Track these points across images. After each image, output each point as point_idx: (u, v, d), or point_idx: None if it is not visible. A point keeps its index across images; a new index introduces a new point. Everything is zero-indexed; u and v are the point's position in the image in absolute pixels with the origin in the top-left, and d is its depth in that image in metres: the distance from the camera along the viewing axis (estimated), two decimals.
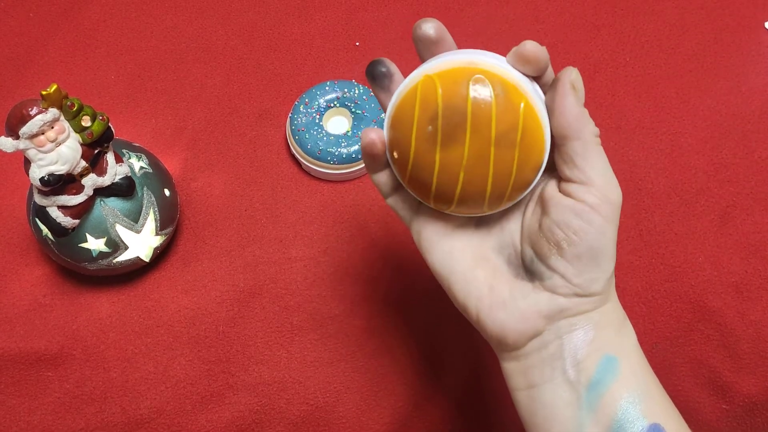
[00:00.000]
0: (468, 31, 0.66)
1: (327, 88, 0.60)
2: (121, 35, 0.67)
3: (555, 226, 0.33)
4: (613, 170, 0.59)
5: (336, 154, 0.57)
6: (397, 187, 0.38)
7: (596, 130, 0.33)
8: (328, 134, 0.58)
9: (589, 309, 0.34)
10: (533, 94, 0.33)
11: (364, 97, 0.59)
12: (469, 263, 0.36)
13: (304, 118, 0.58)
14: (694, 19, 0.67)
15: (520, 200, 0.36)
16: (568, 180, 0.34)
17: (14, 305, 0.54)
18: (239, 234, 0.57)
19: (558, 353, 0.34)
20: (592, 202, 0.33)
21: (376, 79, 0.37)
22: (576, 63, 0.65)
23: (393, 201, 0.39)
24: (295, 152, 0.59)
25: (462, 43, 0.67)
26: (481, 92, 0.33)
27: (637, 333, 0.53)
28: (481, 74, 0.33)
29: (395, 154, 0.36)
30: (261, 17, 0.68)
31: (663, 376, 0.52)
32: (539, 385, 0.34)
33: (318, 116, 0.59)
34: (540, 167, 0.34)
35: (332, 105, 0.60)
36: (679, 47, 0.65)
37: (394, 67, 0.37)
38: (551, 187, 0.35)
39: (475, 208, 0.35)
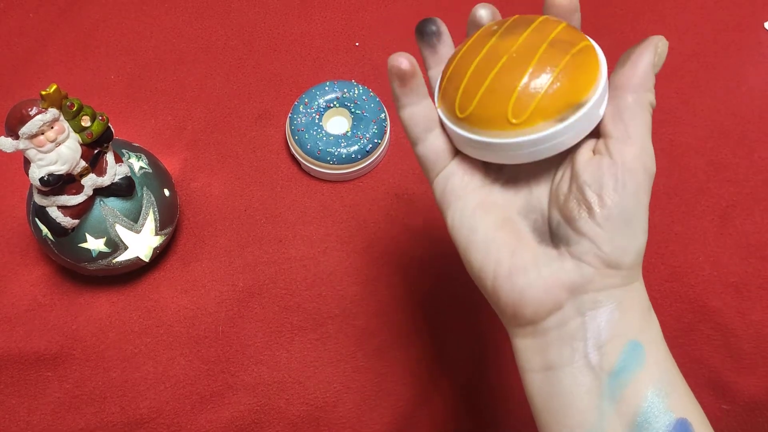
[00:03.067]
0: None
1: (327, 88, 0.60)
2: (121, 35, 0.67)
3: (587, 186, 0.31)
4: None
5: (336, 154, 0.57)
6: (431, 128, 0.35)
7: (654, 100, 0.32)
8: (328, 134, 0.58)
9: (616, 285, 0.31)
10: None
11: (364, 97, 0.59)
12: (492, 223, 0.33)
13: (303, 119, 0.58)
14: (693, 19, 0.67)
15: (550, 163, 0.34)
16: (609, 136, 0.31)
17: (14, 305, 0.54)
18: (239, 234, 0.57)
19: (580, 333, 0.31)
20: (629, 163, 0.30)
21: (424, 36, 0.36)
22: None
23: (423, 148, 0.35)
24: (294, 152, 0.59)
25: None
26: (551, 22, 0.33)
27: None
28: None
29: (454, 80, 0.33)
30: (261, 17, 0.68)
31: None
32: (557, 367, 0.32)
33: (318, 116, 0.59)
34: (578, 101, 0.31)
35: (332, 105, 0.60)
36: (678, 47, 0.65)
37: (444, 28, 0.36)
38: (585, 151, 0.33)
39: (499, 106, 0.31)
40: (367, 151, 0.57)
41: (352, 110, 0.59)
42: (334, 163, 0.57)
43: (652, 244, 0.56)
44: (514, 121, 0.31)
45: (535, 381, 0.33)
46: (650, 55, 0.32)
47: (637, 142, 0.31)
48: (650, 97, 0.32)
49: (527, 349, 0.33)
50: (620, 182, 0.30)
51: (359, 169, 0.58)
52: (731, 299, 0.54)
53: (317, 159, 0.57)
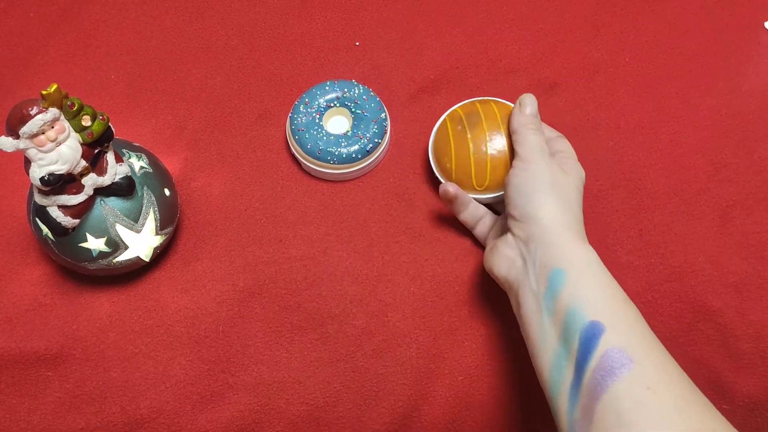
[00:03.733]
0: (468, 31, 0.66)
1: (327, 87, 0.60)
2: (121, 35, 0.67)
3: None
4: (613, 170, 0.59)
5: (336, 153, 0.57)
6: (480, 217, 0.55)
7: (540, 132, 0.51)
8: (328, 134, 0.58)
9: (535, 233, 0.45)
10: None
11: (364, 96, 0.59)
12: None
13: (304, 118, 0.58)
14: (694, 19, 0.67)
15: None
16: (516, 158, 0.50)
17: (14, 305, 0.54)
18: (239, 234, 0.57)
19: (525, 272, 0.45)
20: (518, 163, 0.49)
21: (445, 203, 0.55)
22: (576, 63, 0.65)
23: (473, 223, 0.56)
24: (295, 152, 0.59)
25: (462, 42, 0.67)
26: (485, 103, 0.56)
27: None
28: (483, 98, 0.57)
29: (442, 162, 0.56)
30: (261, 17, 0.68)
31: None
32: (521, 303, 0.45)
33: (318, 116, 0.59)
34: None
35: (332, 105, 0.60)
36: (679, 47, 0.65)
37: (458, 193, 0.54)
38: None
39: (504, 170, 0.53)
40: (368, 151, 0.57)
41: (353, 110, 0.59)
42: (334, 163, 0.57)
43: (653, 244, 0.56)
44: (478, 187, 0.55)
45: (518, 318, 0.46)
46: (515, 110, 0.53)
47: (521, 153, 0.50)
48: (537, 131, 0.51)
49: (511, 299, 0.48)
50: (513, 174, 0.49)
51: (359, 169, 0.58)
52: (731, 299, 0.54)
53: (317, 159, 0.57)
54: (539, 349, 0.43)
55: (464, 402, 0.52)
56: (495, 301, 0.54)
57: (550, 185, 0.47)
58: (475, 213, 0.55)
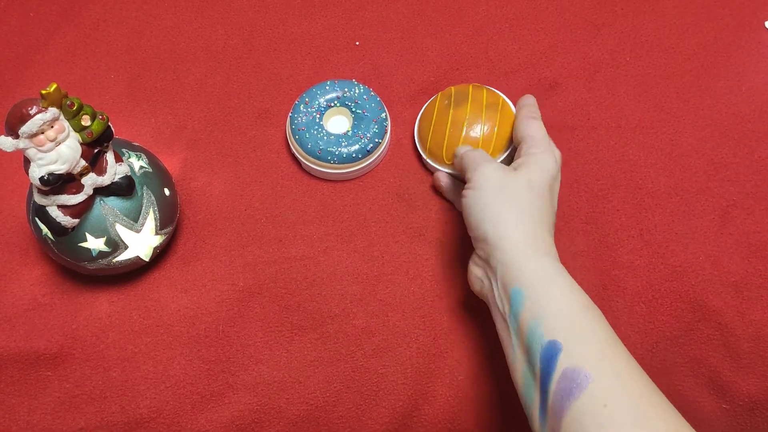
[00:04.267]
0: (468, 31, 0.66)
1: (327, 87, 0.60)
2: (121, 35, 0.67)
3: None
4: (614, 169, 0.59)
5: (336, 153, 0.57)
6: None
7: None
8: (329, 134, 0.58)
9: (493, 253, 0.45)
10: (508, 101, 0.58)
11: (365, 96, 0.59)
12: None
13: (304, 118, 0.58)
14: (694, 19, 0.67)
15: None
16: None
17: (14, 304, 0.54)
18: (239, 233, 0.57)
19: (491, 291, 0.45)
20: (467, 186, 0.49)
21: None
22: (576, 62, 0.65)
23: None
24: (295, 152, 0.58)
25: (462, 42, 0.67)
26: (478, 88, 0.58)
27: (638, 332, 0.53)
28: (480, 85, 0.60)
29: (422, 131, 0.59)
30: (261, 17, 0.68)
31: (663, 376, 0.52)
32: (495, 322, 0.46)
33: (318, 116, 0.59)
34: (510, 137, 0.55)
35: (332, 104, 0.60)
36: (679, 46, 0.65)
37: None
38: None
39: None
40: (368, 151, 0.57)
41: (353, 109, 0.59)
42: (334, 163, 0.57)
43: (653, 243, 0.56)
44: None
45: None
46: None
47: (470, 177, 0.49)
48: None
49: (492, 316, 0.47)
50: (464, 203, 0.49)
51: (360, 169, 0.58)
52: (731, 299, 0.54)
53: (318, 158, 0.57)
54: (512, 369, 0.43)
55: (464, 401, 0.52)
56: None
57: (500, 201, 0.46)
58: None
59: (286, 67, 0.65)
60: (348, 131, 0.58)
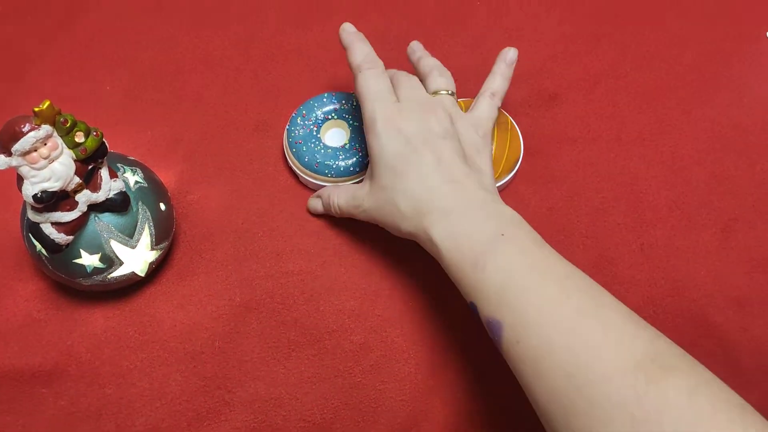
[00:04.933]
0: (467, 42, 0.66)
1: (324, 99, 0.59)
2: (117, 46, 0.67)
3: None
4: (614, 182, 0.58)
5: (334, 167, 0.56)
6: None
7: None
8: (326, 147, 0.57)
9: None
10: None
11: None
12: None
13: (301, 131, 0.58)
14: (695, 30, 0.66)
15: None
16: None
17: (8, 321, 0.54)
18: (235, 248, 0.57)
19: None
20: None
21: None
22: (576, 74, 0.64)
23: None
24: (292, 165, 0.58)
25: (461, 53, 0.67)
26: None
27: None
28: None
29: None
30: (258, 28, 0.68)
31: None
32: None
33: (315, 128, 0.58)
34: (519, 156, 0.57)
35: (330, 117, 0.59)
36: (680, 58, 0.65)
37: None
38: None
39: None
40: (365, 164, 0.57)
41: (350, 122, 0.59)
42: (332, 176, 0.57)
43: (654, 258, 0.55)
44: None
45: None
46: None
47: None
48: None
49: None
50: None
51: (358, 182, 0.58)
52: (733, 314, 0.53)
53: (315, 171, 0.57)
54: None
55: (464, 418, 0.51)
56: None
57: (390, 195, 0.47)
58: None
59: (283, 79, 0.65)
60: (345, 144, 0.58)
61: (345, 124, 0.59)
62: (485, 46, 0.66)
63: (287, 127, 0.59)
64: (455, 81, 0.64)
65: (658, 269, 0.55)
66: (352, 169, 0.56)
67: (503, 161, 0.56)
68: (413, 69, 0.56)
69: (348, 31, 0.54)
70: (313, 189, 0.59)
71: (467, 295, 0.44)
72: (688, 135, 0.61)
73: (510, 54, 0.55)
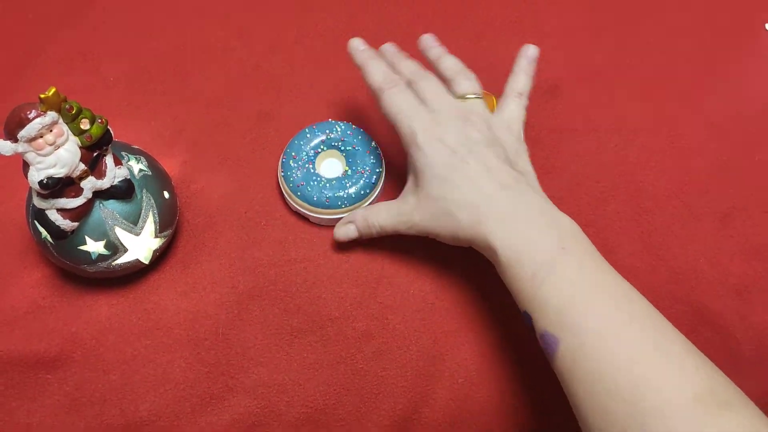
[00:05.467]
0: (468, 34, 0.66)
1: (308, 135, 0.57)
2: (120, 37, 0.67)
3: None
4: (614, 172, 0.58)
5: (345, 196, 0.55)
6: None
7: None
8: (329, 180, 0.56)
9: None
10: None
11: (348, 132, 0.58)
12: None
13: (299, 172, 0.56)
14: (694, 21, 0.67)
15: None
16: None
17: (13, 308, 0.54)
18: (239, 236, 0.57)
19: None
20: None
21: None
22: (576, 65, 0.65)
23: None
24: (300, 208, 0.56)
25: (463, 46, 0.67)
26: (488, 96, 0.55)
27: None
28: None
29: None
30: (260, 18, 0.68)
31: None
32: None
33: (311, 166, 0.57)
34: None
35: (320, 150, 0.57)
36: (679, 49, 0.65)
37: None
38: None
39: None
40: (374, 183, 0.56)
41: (342, 148, 0.58)
42: (346, 206, 0.55)
43: (653, 246, 0.56)
44: None
45: None
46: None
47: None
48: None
49: None
50: None
51: (373, 200, 0.57)
52: (732, 302, 0.54)
53: (328, 207, 0.55)
54: None
55: (464, 404, 0.52)
56: (495, 303, 0.54)
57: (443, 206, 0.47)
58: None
59: (286, 69, 0.65)
60: (346, 170, 0.57)
61: (337, 152, 0.58)
62: (487, 38, 0.66)
63: (281, 173, 0.57)
64: None
65: (657, 257, 0.55)
66: (362, 192, 0.56)
67: None
68: (427, 63, 0.55)
69: (359, 49, 0.53)
70: (327, 226, 0.58)
71: (522, 304, 0.43)
72: (687, 125, 0.61)
73: (531, 50, 0.54)
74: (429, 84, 0.51)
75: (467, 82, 0.52)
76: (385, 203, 0.53)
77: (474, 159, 0.46)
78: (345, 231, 0.54)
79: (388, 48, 0.54)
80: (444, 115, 0.49)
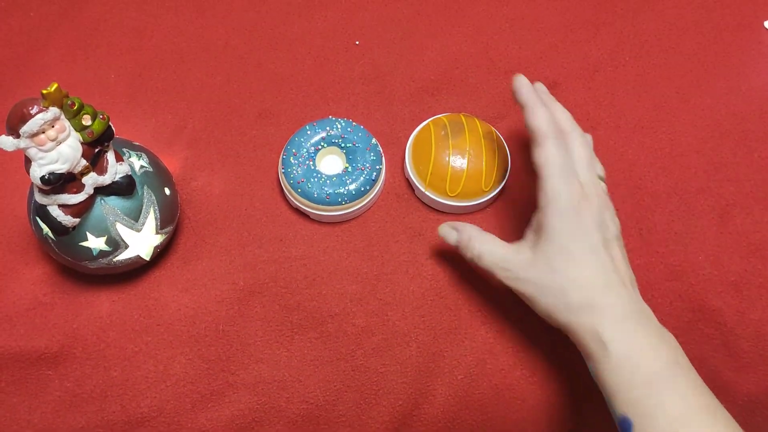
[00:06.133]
0: (468, 31, 0.66)
1: (309, 132, 0.57)
2: (122, 34, 0.67)
3: None
4: (613, 169, 0.59)
5: (345, 193, 0.55)
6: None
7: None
8: (329, 176, 0.56)
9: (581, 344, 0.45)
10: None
11: (348, 129, 0.58)
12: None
13: (299, 169, 0.56)
14: (693, 18, 0.67)
15: None
16: None
17: (15, 304, 0.54)
18: (239, 233, 0.57)
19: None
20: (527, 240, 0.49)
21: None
22: (576, 62, 0.65)
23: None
24: (300, 205, 0.56)
25: (463, 42, 0.67)
26: (470, 118, 0.58)
27: None
28: (468, 114, 0.59)
29: (418, 164, 0.57)
30: (261, 16, 0.68)
31: None
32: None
33: (311, 162, 0.57)
34: (508, 165, 0.57)
35: (320, 147, 0.57)
36: (678, 46, 0.65)
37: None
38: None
39: (477, 184, 0.55)
40: (374, 180, 0.56)
41: (342, 145, 0.58)
42: (346, 203, 0.55)
43: (652, 243, 0.56)
44: (486, 190, 0.56)
45: None
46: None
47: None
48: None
49: None
50: None
51: (371, 199, 0.57)
52: (731, 298, 0.54)
53: (328, 204, 0.55)
54: None
55: (464, 400, 0.52)
56: (495, 300, 0.54)
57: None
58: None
59: (286, 67, 0.65)
60: (347, 167, 0.57)
61: (337, 149, 0.58)
62: (486, 34, 0.66)
63: (282, 170, 0.57)
64: (455, 71, 0.65)
65: (656, 254, 0.55)
66: (363, 189, 0.56)
67: (495, 172, 0.55)
68: (523, 106, 0.50)
69: (526, 86, 0.50)
70: (329, 223, 0.58)
71: (622, 406, 0.42)
72: (686, 123, 0.61)
73: (540, 86, 0.53)
74: (582, 149, 0.49)
75: (598, 164, 0.51)
76: (499, 240, 0.49)
77: (606, 250, 0.45)
78: (447, 233, 0.52)
79: (540, 87, 0.53)
80: (590, 192, 0.46)
